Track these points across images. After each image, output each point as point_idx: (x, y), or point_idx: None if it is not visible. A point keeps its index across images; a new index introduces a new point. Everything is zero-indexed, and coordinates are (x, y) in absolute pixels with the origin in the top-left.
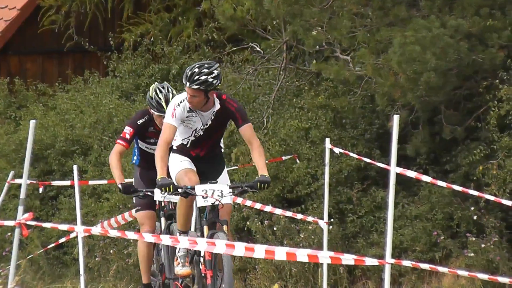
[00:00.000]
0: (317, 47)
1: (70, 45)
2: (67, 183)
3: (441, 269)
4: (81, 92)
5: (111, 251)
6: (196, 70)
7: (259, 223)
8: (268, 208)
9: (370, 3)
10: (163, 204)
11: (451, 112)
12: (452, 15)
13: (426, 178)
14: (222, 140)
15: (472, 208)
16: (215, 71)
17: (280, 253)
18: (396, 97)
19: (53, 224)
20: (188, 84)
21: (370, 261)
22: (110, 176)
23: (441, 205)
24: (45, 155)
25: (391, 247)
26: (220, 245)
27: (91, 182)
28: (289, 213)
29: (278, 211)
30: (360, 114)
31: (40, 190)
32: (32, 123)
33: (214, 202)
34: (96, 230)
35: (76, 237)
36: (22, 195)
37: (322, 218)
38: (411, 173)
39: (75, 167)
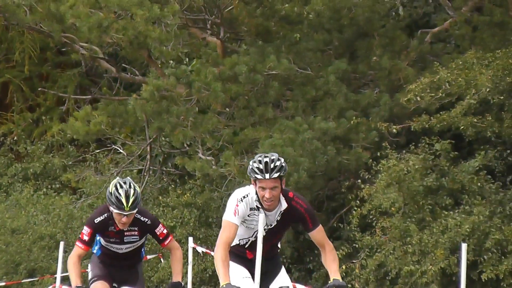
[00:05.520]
0: (184, 144)
1: None
2: None
3: None
4: None
5: None
6: (267, 159)
7: None
8: None
9: (234, 103)
10: None
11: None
12: (316, 116)
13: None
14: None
15: None
16: (280, 158)
17: None
18: None
19: None
20: (267, 175)
21: None
22: None
23: None
24: None
25: None
26: None
27: None
28: None
29: None
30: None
31: None
32: None
33: None
34: None
35: None
36: None
37: None
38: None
39: None
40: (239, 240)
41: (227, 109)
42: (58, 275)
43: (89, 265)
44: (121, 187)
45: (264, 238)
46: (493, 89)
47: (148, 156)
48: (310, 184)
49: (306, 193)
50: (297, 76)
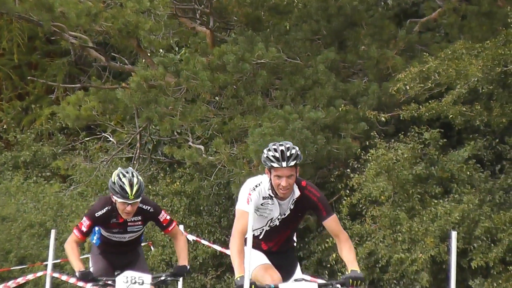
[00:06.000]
0: (174, 132)
1: None
2: None
3: None
4: None
5: None
6: (283, 147)
7: None
8: None
9: (223, 92)
10: None
11: None
12: (305, 104)
13: None
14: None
15: None
16: (294, 146)
17: None
18: None
19: None
20: (284, 163)
21: None
22: None
23: None
24: None
25: None
26: None
27: None
28: None
29: None
30: (214, 201)
31: None
32: None
33: None
34: None
35: None
36: None
37: None
38: None
39: None
40: (253, 230)
41: (216, 98)
42: (49, 263)
43: (89, 258)
44: (124, 176)
45: (278, 228)
46: (483, 79)
47: (138, 144)
48: (300, 173)
49: None
50: (286, 66)
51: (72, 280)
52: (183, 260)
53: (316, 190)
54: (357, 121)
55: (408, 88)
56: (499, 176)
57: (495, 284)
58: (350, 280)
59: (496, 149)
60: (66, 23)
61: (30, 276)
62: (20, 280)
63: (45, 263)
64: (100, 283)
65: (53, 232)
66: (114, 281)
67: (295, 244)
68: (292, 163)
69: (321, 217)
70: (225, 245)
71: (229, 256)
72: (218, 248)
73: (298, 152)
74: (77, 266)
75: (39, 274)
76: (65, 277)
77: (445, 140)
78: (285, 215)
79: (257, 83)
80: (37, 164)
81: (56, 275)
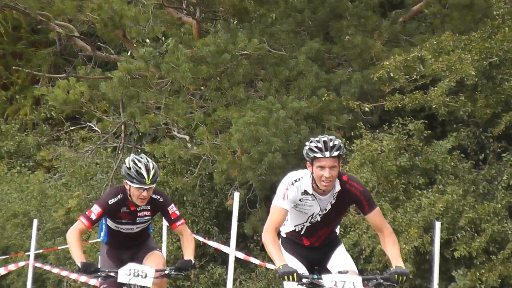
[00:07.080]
0: (154, 128)
1: None
2: None
3: None
4: None
5: None
6: (325, 138)
7: None
8: None
9: (208, 84)
10: None
11: None
12: (289, 95)
13: (254, 260)
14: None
15: None
16: (337, 138)
17: None
18: (234, 176)
19: None
20: (327, 153)
21: None
22: None
23: (277, 282)
24: None
25: None
26: None
27: None
28: None
29: None
30: (198, 193)
31: None
32: None
33: None
34: None
35: None
36: None
37: None
38: (240, 254)
39: None
40: (294, 226)
41: (202, 88)
42: (32, 253)
43: (99, 257)
44: (139, 161)
45: (320, 224)
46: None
47: (122, 134)
48: (283, 163)
49: (279, 172)
50: (270, 57)
51: (56, 270)
52: (188, 255)
53: (358, 183)
54: (340, 111)
55: (392, 75)
56: (483, 167)
57: (478, 274)
58: (396, 276)
59: (480, 139)
60: (52, 11)
61: (11, 266)
62: (2, 270)
63: (27, 253)
64: (103, 274)
65: (35, 222)
66: (117, 272)
67: (337, 234)
68: (335, 153)
69: (364, 212)
70: (209, 235)
71: (211, 247)
72: (201, 239)
73: (341, 144)
74: (79, 257)
75: (21, 264)
76: (48, 267)
77: (429, 131)
78: (326, 211)
79: (239, 73)
80: (21, 154)
81: (38, 265)
